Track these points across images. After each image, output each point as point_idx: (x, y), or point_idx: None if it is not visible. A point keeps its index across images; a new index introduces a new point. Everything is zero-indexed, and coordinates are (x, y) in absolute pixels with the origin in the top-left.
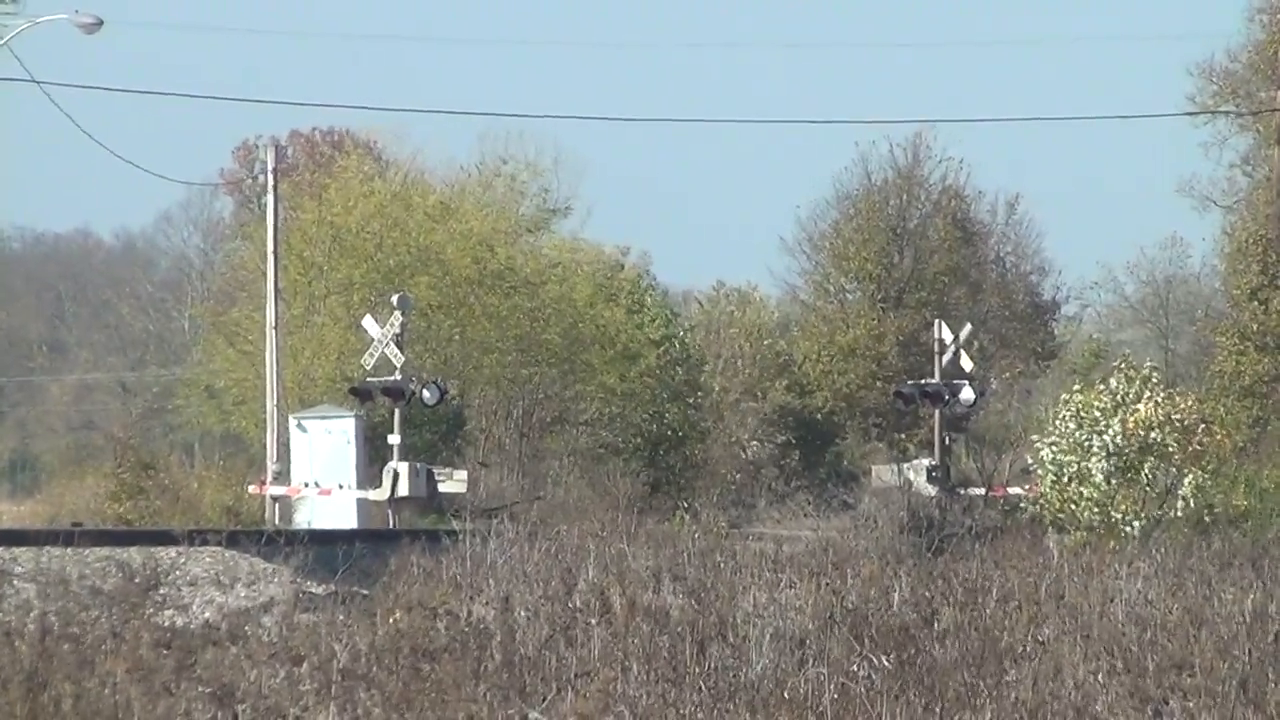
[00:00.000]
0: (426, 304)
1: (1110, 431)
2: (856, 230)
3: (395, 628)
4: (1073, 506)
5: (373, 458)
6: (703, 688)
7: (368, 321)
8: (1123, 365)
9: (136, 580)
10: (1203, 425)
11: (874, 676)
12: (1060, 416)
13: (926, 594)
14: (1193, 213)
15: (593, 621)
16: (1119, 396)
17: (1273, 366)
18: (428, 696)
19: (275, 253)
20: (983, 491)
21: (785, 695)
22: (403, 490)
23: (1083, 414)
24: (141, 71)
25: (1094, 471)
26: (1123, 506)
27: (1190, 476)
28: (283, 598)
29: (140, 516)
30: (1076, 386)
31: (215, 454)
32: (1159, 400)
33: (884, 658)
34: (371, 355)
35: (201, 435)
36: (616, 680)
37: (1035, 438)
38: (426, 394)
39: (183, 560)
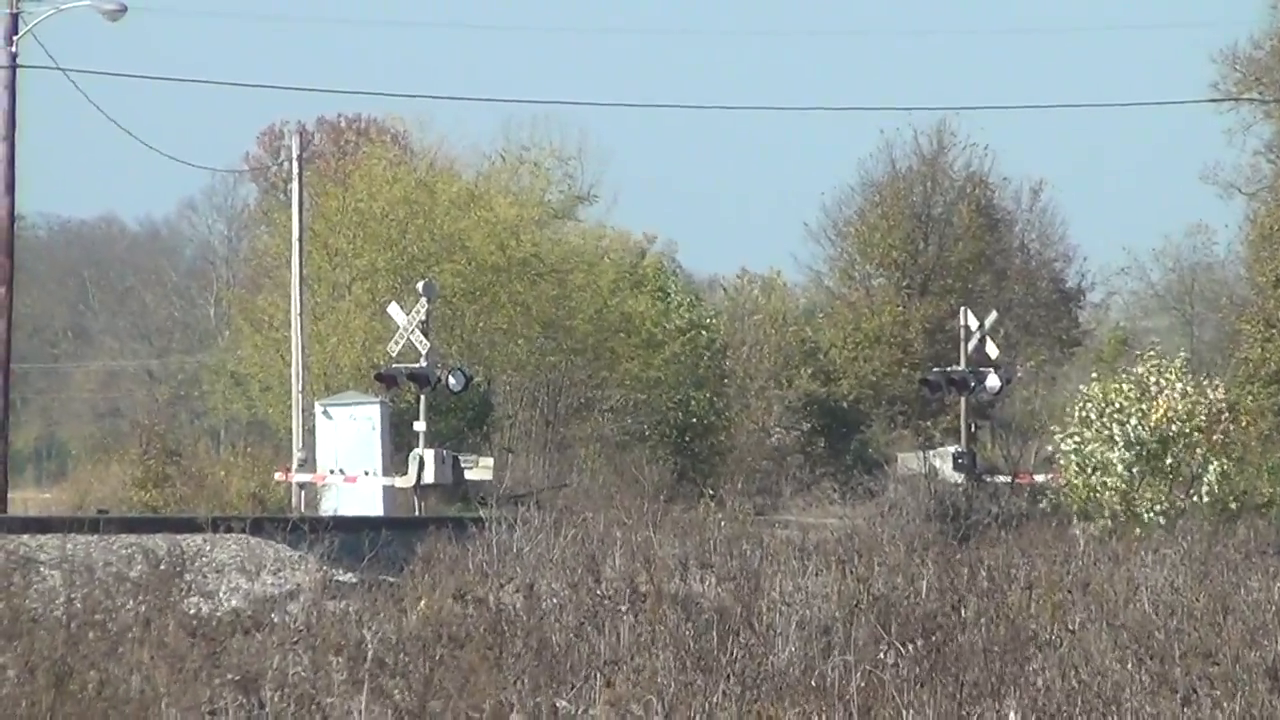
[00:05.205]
0: (452, 291)
1: (1131, 422)
2: (881, 217)
3: (423, 615)
4: (1097, 495)
5: (398, 444)
6: (730, 675)
7: (393, 308)
8: (1152, 353)
9: (162, 567)
10: (1227, 413)
11: (901, 665)
12: (1082, 406)
13: (953, 582)
14: (1217, 200)
15: (622, 609)
16: (1146, 385)
17: None
18: (455, 685)
19: (300, 239)
20: (1009, 479)
21: (812, 684)
22: (429, 477)
23: (1104, 404)
24: (165, 58)
25: (1115, 462)
26: (1147, 495)
27: (1215, 464)
28: (309, 585)
29: (166, 503)
30: (1094, 375)
31: (241, 441)
32: (1188, 390)
33: (911, 646)
34: (397, 342)
35: (227, 422)
36: (655, 673)
37: (1056, 428)
38: (452, 380)
39: (208, 547)
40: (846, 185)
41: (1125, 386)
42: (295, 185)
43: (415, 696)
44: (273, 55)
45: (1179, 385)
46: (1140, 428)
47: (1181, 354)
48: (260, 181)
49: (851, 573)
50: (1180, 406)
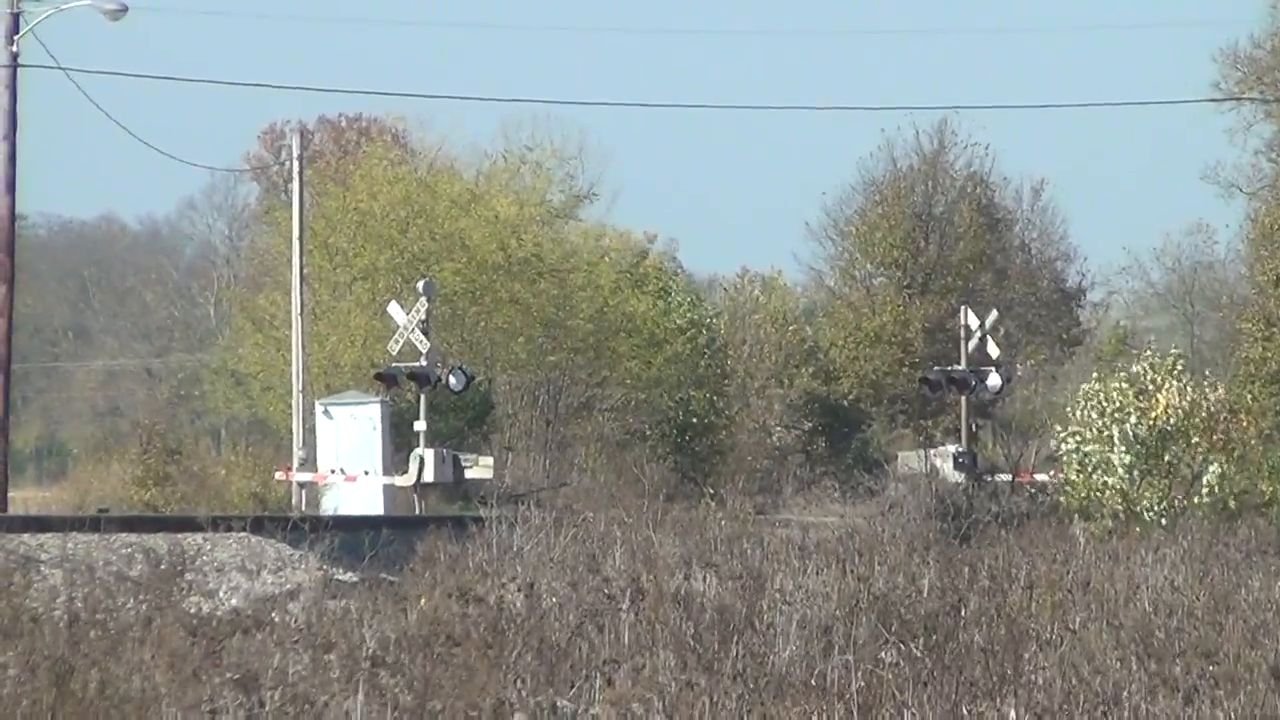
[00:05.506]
0: (452, 290)
1: (1130, 420)
2: (882, 216)
3: (423, 614)
4: (1098, 495)
5: (399, 444)
6: (731, 674)
7: (393, 307)
8: (1148, 353)
9: (163, 567)
10: (1226, 412)
11: (901, 664)
12: (1081, 406)
13: (953, 581)
14: (1218, 199)
15: (623, 608)
16: (1143, 383)
17: None
18: (455, 684)
19: (301, 239)
20: (1009, 478)
21: (813, 683)
22: (429, 476)
23: (1104, 403)
24: (165, 58)
25: (1115, 463)
26: (1147, 495)
27: (1215, 464)
28: (310, 584)
29: (166, 503)
30: (1095, 375)
31: (242, 440)
32: (1187, 388)
33: (911, 645)
34: (397, 341)
35: (228, 421)
36: (656, 672)
37: (1058, 427)
38: (452, 380)
39: (209, 546)
40: (847, 184)
41: (1123, 385)
42: (296, 184)
43: (415, 696)
44: (273, 55)
45: (1174, 384)
46: (1139, 426)
47: (1174, 351)
48: (261, 180)
49: (852, 572)
50: (1181, 403)
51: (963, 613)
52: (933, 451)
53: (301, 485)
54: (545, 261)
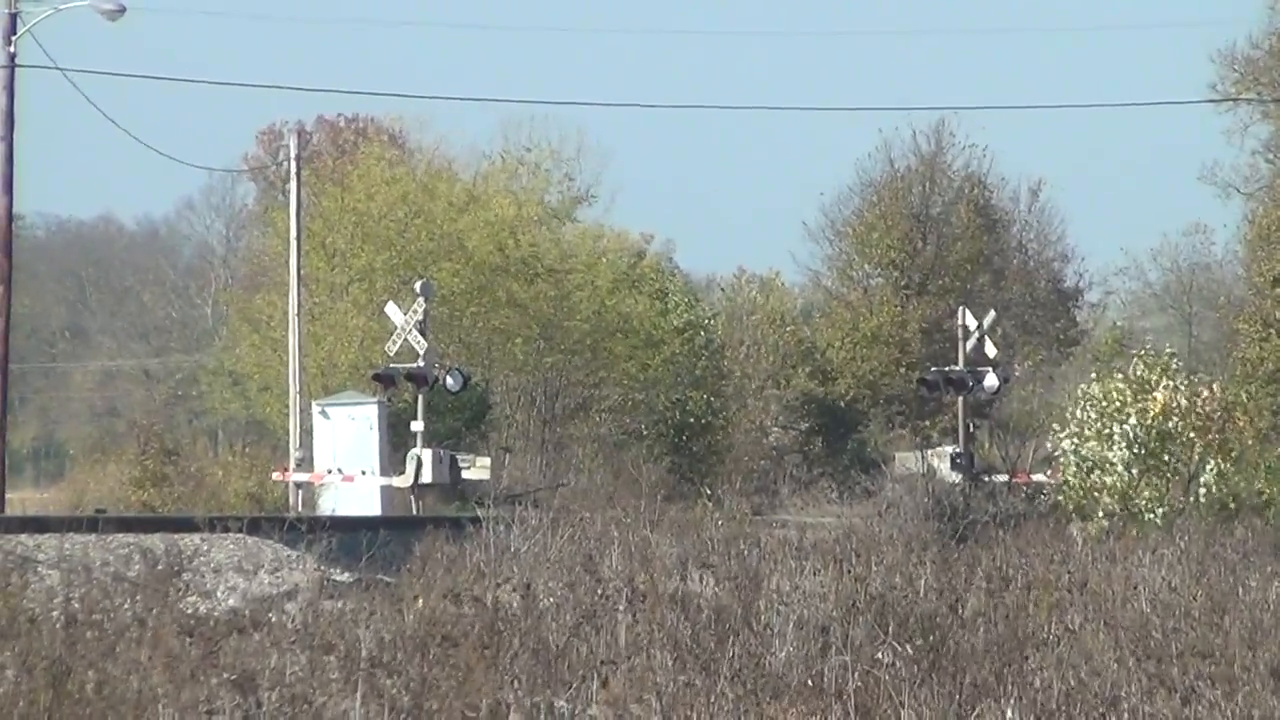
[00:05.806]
0: (449, 291)
1: (1130, 421)
2: (880, 217)
3: (420, 615)
4: (1095, 495)
5: (396, 444)
6: (728, 675)
7: (390, 308)
8: (1143, 353)
9: (160, 567)
10: (1222, 412)
11: (899, 664)
12: (1080, 406)
13: (950, 581)
14: (1215, 200)
15: (620, 609)
16: (1140, 383)
17: None
18: (452, 684)
19: (298, 239)
20: (1006, 478)
21: (810, 683)
22: (426, 477)
23: (1103, 403)
24: (164, 58)
25: (1114, 461)
26: (1145, 494)
27: (1212, 464)
28: (307, 585)
29: (164, 503)
30: (1093, 375)
31: (239, 440)
32: (1180, 387)
33: (909, 645)
34: (394, 342)
35: (225, 422)
36: (653, 672)
37: (1056, 426)
38: (450, 380)
39: (206, 547)
40: (845, 185)
41: (1121, 386)
42: (293, 185)
43: (412, 696)
44: (273, 55)
45: (1169, 382)
46: (1138, 426)
47: (1168, 350)
48: (259, 181)
49: (849, 572)
50: (1181, 401)
51: (960, 613)
52: (930, 452)
53: (299, 486)
54: (543, 262)
